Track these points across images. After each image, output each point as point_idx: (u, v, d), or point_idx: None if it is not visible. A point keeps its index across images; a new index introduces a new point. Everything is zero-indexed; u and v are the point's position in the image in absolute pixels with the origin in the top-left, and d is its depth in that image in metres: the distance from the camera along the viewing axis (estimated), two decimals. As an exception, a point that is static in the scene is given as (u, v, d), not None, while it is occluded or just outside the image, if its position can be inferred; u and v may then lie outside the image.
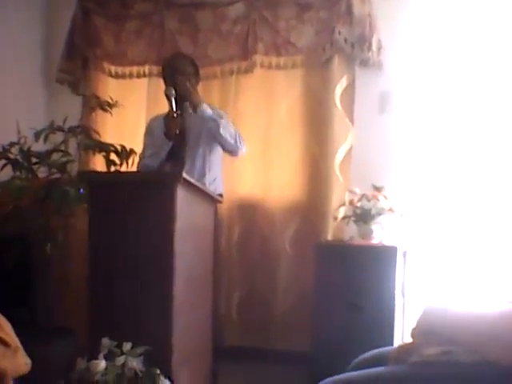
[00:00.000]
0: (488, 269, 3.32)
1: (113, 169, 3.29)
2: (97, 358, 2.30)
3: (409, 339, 1.92)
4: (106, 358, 2.31)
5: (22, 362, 2.09)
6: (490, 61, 3.41)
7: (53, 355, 2.83)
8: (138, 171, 3.30)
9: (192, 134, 3.31)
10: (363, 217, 3.29)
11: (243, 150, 3.33)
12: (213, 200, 2.87)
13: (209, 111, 3.22)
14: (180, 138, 3.27)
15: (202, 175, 3.25)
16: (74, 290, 3.42)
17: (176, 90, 3.23)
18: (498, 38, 3.40)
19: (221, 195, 3.28)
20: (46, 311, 3.19)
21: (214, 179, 3.28)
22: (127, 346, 2.32)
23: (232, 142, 3.23)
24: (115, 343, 2.32)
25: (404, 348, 1.89)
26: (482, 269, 3.34)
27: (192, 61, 3.47)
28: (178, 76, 3.31)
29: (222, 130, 3.19)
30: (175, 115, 3.22)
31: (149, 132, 3.47)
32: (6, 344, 2.05)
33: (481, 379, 1.64)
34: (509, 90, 3.38)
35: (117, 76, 4.12)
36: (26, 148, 3.16)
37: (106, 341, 2.33)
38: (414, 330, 1.90)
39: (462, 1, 3.47)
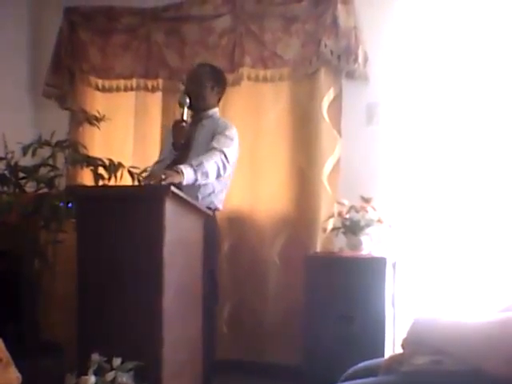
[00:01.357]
0: (477, 278, 3.34)
1: (101, 183, 3.28)
2: (86, 374, 2.28)
3: (399, 350, 1.93)
4: (95, 373, 2.29)
5: (13, 377, 2.09)
6: (475, 72, 3.44)
7: (41, 371, 2.81)
8: (124, 185, 3.28)
9: (197, 145, 3.18)
10: (352, 228, 3.30)
11: (226, 175, 3.13)
12: (202, 213, 2.87)
13: (190, 177, 2.86)
14: (185, 147, 3.17)
15: (197, 188, 3.05)
16: (63, 305, 3.39)
17: (190, 99, 3.16)
18: (482, 49, 3.43)
19: (216, 209, 3.19)
20: (33, 326, 3.16)
21: (210, 194, 3.13)
22: (117, 361, 2.31)
23: (215, 177, 3.02)
24: (105, 358, 2.31)
25: (394, 358, 1.90)
26: (471, 279, 3.36)
27: (213, 68, 3.36)
28: (193, 85, 3.23)
29: (203, 182, 2.97)
30: (183, 124, 3.14)
31: (166, 136, 3.43)
32: (-3, 358, 2.05)
33: (471, 389, 1.64)
34: (495, 99, 3.41)
35: (104, 90, 4.13)
36: (13, 163, 3.14)
37: (95, 356, 2.32)
38: (404, 340, 1.91)
39: (447, 13, 3.50)
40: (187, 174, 2.82)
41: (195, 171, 2.87)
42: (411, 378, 1.73)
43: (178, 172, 2.79)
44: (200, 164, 2.90)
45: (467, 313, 1.92)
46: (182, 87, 3.40)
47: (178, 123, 3.16)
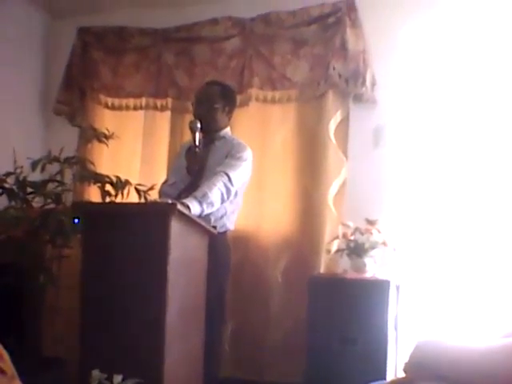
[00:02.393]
0: (481, 303, 3.33)
1: (108, 199, 3.30)
2: (87, 390, 2.27)
3: (401, 373, 1.92)
4: (96, 390, 2.28)
5: (17, 390, 2.08)
6: (482, 97, 3.47)
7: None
8: (131, 202, 3.30)
9: (210, 168, 3.10)
10: (356, 250, 3.30)
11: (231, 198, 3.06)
12: (207, 232, 2.88)
13: (197, 210, 2.81)
14: (200, 171, 3.11)
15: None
16: (66, 319, 3.40)
17: (201, 122, 3.08)
18: (489, 74, 3.46)
19: (227, 230, 3.16)
20: (36, 341, 3.16)
21: (222, 216, 3.07)
22: (118, 378, 2.29)
23: (220, 203, 2.98)
24: (105, 375, 2.30)
25: (396, 383, 1.89)
26: (475, 303, 3.35)
27: (223, 87, 3.28)
28: (203, 107, 3.16)
29: (209, 211, 2.92)
30: (197, 150, 3.07)
31: (178, 156, 3.36)
32: (2, 371, 2.04)
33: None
34: (502, 123, 3.42)
35: (113, 108, 4.18)
36: (21, 178, 3.17)
37: (96, 372, 2.30)
38: (406, 364, 1.90)
39: (455, 38, 3.54)
40: (193, 209, 2.78)
41: (200, 203, 2.83)
42: (412, 402, 1.72)
43: (184, 207, 2.71)
44: (204, 195, 2.86)
45: (471, 338, 1.92)
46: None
47: (191, 149, 3.10)
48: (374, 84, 3.66)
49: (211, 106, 3.17)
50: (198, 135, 3.07)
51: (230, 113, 3.28)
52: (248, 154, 3.18)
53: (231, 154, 3.11)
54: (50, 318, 3.42)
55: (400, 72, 3.65)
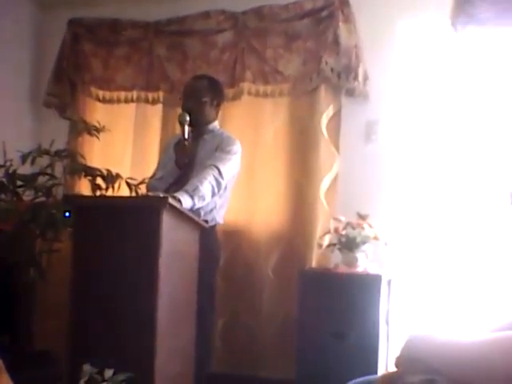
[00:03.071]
0: (473, 296, 3.34)
1: (98, 193, 3.28)
2: (77, 385, 2.26)
3: (393, 368, 1.92)
4: (86, 384, 2.27)
5: None
6: (475, 90, 3.48)
7: (33, 381, 2.79)
8: (122, 196, 3.28)
9: (200, 161, 3.12)
10: (348, 245, 3.30)
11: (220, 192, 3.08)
12: (198, 225, 2.87)
13: (188, 204, 2.82)
14: (188, 165, 3.12)
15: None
16: (56, 314, 3.37)
17: (190, 116, 3.10)
18: (483, 68, 3.47)
19: (216, 224, 3.16)
20: (27, 336, 3.14)
21: (212, 209, 3.08)
22: (109, 372, 2.29)
23: (211, 197, 2.99)
24: (96, 370, 2.29)
25: (388, 377, 1.88)
26: (466, 297, 3.36)
27: (211, 80, 3.30)
28: (191, 101, 3.17)
29: (200, 205, 2.92)
30: (186, 143, 3.09)
31: (165, 151, 3.39)
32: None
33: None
34: (495, 119, 3.43)
35: (104, 101, 4.15)
36: (11, 170, 3.15)
37: (86, 367, 2.30)
38: (397, 358, 1.90)
39: (447, 33, 3.53)
40: (185, 202, 2.78)
41: (192, 197, 2.83)
42: (403, 397, 1.72)
43: (175, 201, 2.70)
44: (195, 189, 2.87)
45: (462, 331, 1.92)
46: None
47: (181, 142, 3.12)
48: (366, 79, 3.66)
49: (199, 100, 3.18)
50: (187, 128, 3.09)
51: (217, 106, 3.29)
52: (237, 148, 3.19)
53: (221, 147, 3.12)
54: (41, 313, 3.40)
55: (392, 67, 3.65)
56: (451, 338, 1.84)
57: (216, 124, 3.30)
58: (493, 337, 1.75)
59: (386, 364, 3.26)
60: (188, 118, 3.09)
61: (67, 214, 3.05)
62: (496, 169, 3.41)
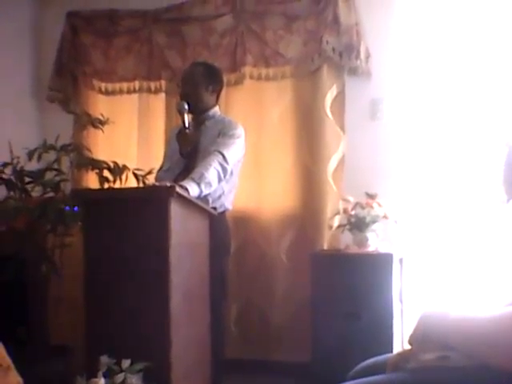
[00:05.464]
0: (484, 272, 3.33)
1: (106, 186, 3.29)
2: (96, 376, 2.28)
3: (407, 346, 1.92)
4: (104, 375, 2.29)
5: (13, 381, 2.08)
6: (478, 66, 3.44)
7: (50, 374, 2.82)
8: (130, 187, 3.28)
9: (204, 148, 3.09)
10: (358, 225, 3.30)
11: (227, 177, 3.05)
12: (207, 213, 2.87)
13: (195, 192, 2.80)
14: (193, 153, 3.11)
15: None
16: (71, 308, 3.40)
17: (189, 104, 3.09)
18: (485, 42, 3.43)
19: (226, 210, 3.16)
20: (42, 330, 3.17)
21: (220, 196, 3.07)
22: (126, 362, 2.31)
23: (218, 183, 2.97)
24: (114, 361, 2.31)
25: (402, 355, 1.88)
26: (478, 273, 3.35)
27: (206, 66, 3.27)
28: (188, 87, 3.16)
29: (207, 191, 2.90)
30: (187, 131, 3.09)
31: (168, 142, 3.38)
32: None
33: (480, 384, 1.64)
34: (499, 93, 3.40)
35: (107, 93, 4.14)
36: (19, 168, 3.16)
37: (104, 358, 2.32)
38: (411, 336, 1.90)
39: (449, 7, 3.50)
40: (192, 190, 2.77)
41: (198, 184, 2.82)
42: (417, 375, 1.72)
43: (182, 189, 2.69)
44: (201, 176, 2.85)
45: (475, 307, 1.91)
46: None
47: (182, 131, 3.12)
48: (368, 56, 3.63)
49: (195, 86, 3.17)
50: (186, 117, 3.08)
51: (215, 92, 3.26)
52: (240, 131, 3.17)
53: (223, 132, 3.11)
54: (55, 307, 3.43)
55: (394, 44, 3.62)
56: (465, 313, 1.84)
57: (217, 109, 3.27)
58: (507, 311, 1.74)
59: (401, 342, 3.27)
60: (186, 106, 3.08)
61: (76, 208, 3.06)
62: (501, 142, 3.38)
